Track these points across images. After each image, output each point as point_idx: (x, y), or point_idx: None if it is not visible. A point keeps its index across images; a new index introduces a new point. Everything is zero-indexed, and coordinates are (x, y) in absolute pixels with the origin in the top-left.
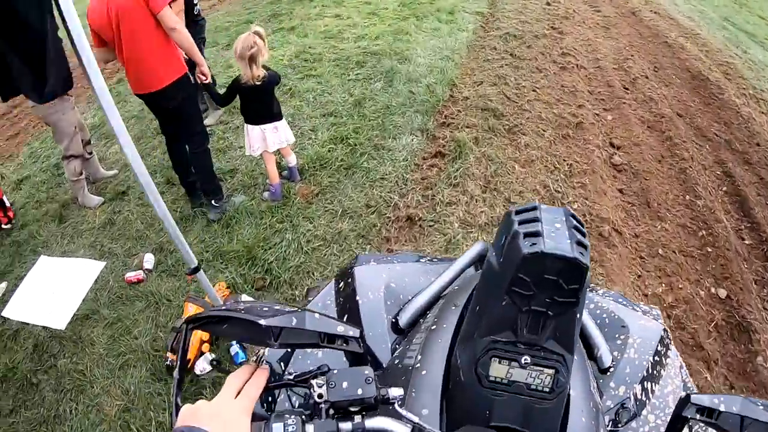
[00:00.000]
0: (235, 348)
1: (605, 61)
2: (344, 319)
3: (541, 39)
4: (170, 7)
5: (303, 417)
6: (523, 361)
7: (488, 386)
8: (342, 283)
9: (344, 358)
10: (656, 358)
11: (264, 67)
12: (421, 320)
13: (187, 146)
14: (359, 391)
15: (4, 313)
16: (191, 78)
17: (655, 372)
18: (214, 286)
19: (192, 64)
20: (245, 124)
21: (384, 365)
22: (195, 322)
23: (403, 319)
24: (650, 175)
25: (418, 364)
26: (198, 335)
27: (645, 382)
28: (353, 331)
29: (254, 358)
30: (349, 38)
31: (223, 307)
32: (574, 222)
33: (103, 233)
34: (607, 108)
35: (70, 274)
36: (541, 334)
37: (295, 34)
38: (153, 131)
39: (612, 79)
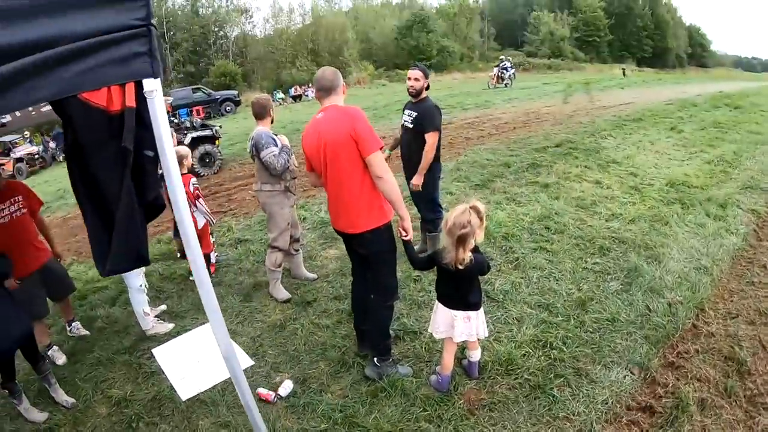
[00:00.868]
0: None
1: None
2: None
3: None
4: (382, 152)
5: None
6: None
7: None
8: None
9: None
10: None
11: (474, 249)
12: None
13: (372, 295)
14: None
15: (155, 351)
16: (393, 230)
17: None
18: None
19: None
20: (436, 301)
21: None
22: None
23: None
24: None
25: None
26: None
27: None
28: None
29: None
30: (601, 214)
31: None
32: None
33: (270, 334)
34: None
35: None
36: None
37: (546, 194)
38: None
39: None
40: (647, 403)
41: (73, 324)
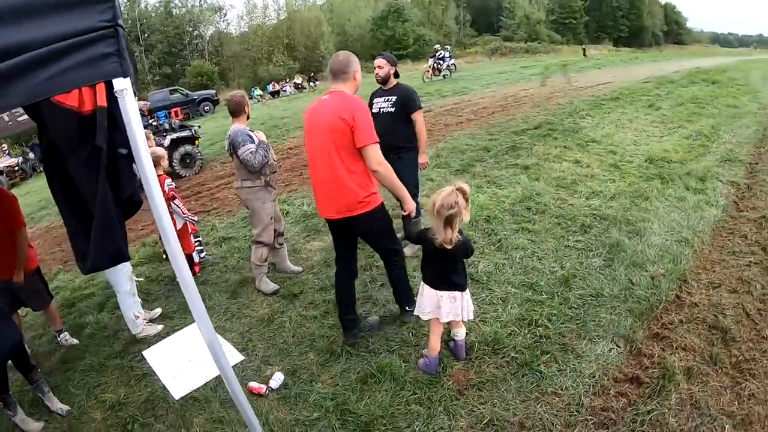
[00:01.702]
0: None
1: None
2: None
3: None
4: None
5: None
6: None
7: None
8: None
9: None
10: None
11: (459, 231)
12: None
13: (385, 263)
14: None
15: (145, 353)
16: (384, 206)
17: None
18: None
19: None
20: (422, 283)
21: None
22: None
23: None
24: None
25: None
26: None
27: None
28: None
29: None
30: (581, 192)
31: None
32: None
33: (258, 328)
34: None
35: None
36: None
37: (527, 175)
38: None
39: None
40: (634, 375)
41: (62, 335)
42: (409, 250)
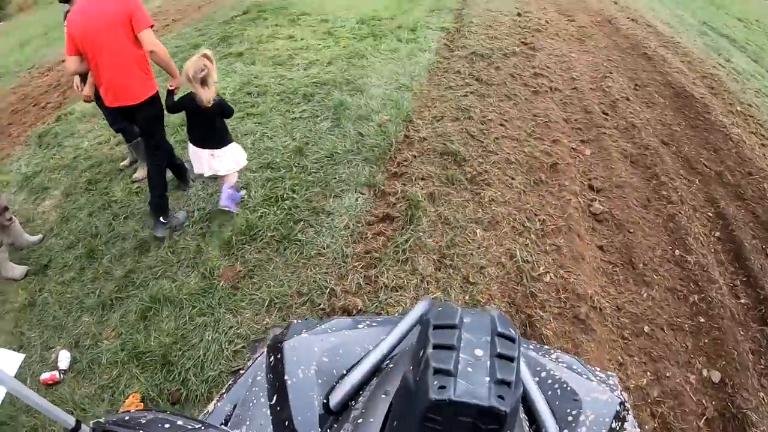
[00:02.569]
0: None
1: (582, 80)
2: (274, 399)
3: (511, 58)
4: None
5: None
6: None
7: None
8: (272, 357)
9: None
10: None
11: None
12: (351, 403)
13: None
14: None
15: None
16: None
17: None
18: (127, 398)
19: None
20: (189, 144)
21: None
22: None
23: (334, 401)
24: (635, 225)
25: None
26: None
27: None
28: None
29: None
30: (299, 65)
31: (126, 418)
32: (500, 346)
33: (24, 317)
34: (585, 140)
35: None
36: None
37: (242, 61)
38: (82, 186)
39: (590, 103)
40: (384, 213)
41: None
42: (141, 173)
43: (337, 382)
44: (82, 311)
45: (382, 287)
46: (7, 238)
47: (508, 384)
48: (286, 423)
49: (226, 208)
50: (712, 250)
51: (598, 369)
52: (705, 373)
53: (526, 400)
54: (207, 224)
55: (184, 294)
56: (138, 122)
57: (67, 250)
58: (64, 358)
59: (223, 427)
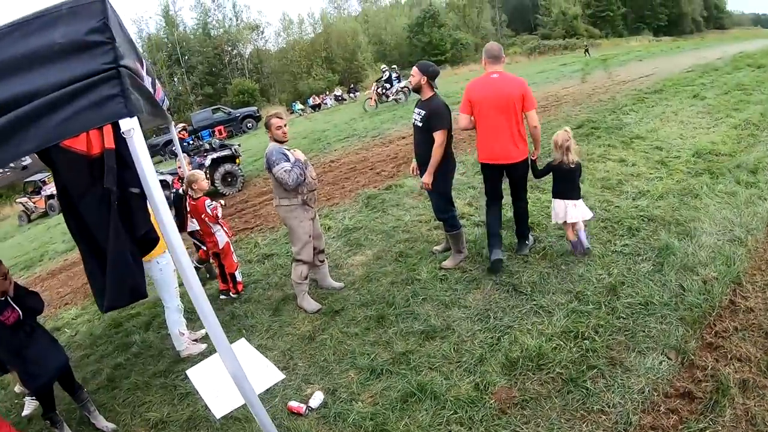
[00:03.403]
0: None
1: None
2: None
3: None
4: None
5: None
6: None
7: None
8: None
9: None
10: None
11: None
12: None
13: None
14: None
15: (188, 372)
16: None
17: None
18: None
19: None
20: (553, 199)
21: None
22: None
23: None
24: None
25: None
26: None
27: None
28: None
29: None
30: (628, 193)
31: None
32: None
33: (300, 346)
34: None
35: (253, 369)
36: None
37: None
38: (393, 255)
39: None
40: (686, 389)
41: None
42: (450, 262)
43: None
44: (352, 366)
45: None
46: (314, 275)
47: None
48: None
49: (586, 244)
50: None
51: None
52: None
53: None
54: (497, 336)
55: (451, 395)
56: (513, 178)
57: (360, 307)
58: (317, 398)
59: None
